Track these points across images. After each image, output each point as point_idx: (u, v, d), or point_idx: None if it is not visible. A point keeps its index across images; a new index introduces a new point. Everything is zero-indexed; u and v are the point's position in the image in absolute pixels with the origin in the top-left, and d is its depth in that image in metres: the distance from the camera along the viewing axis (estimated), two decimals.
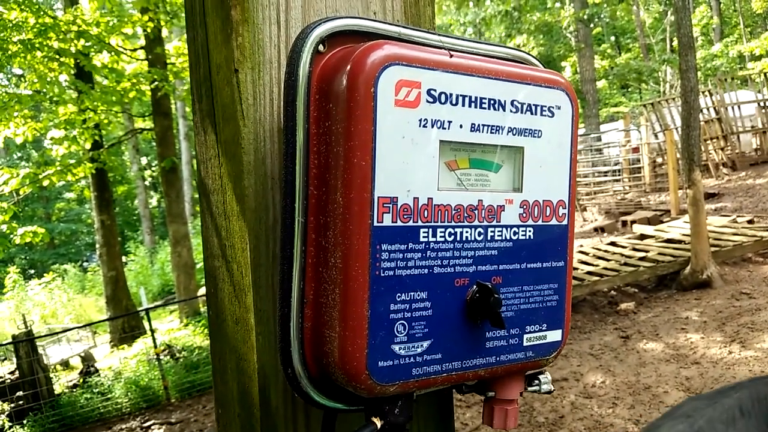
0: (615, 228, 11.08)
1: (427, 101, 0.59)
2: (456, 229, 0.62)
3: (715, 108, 13.29)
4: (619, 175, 14.57)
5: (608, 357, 5.49)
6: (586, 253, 8.43)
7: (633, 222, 10.48)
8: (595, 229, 11.36)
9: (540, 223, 0.67)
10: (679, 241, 8.01)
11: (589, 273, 7.26)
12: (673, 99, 13.86)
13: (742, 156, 13.39)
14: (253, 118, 0.69)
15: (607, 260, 7.78)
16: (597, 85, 21.31)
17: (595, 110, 19.72)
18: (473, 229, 0.63)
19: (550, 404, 4.70)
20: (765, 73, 14.80)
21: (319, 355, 0.60)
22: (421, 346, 0.60)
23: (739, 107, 13.52)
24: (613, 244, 8.88)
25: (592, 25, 21.39)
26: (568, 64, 23.79)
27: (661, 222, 10.08)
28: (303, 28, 0.63)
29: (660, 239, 8.56)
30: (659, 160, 14.22)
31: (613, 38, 30.23)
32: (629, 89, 28.75)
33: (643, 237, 9.13)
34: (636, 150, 14.53)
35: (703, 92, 12.69)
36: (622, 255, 7.90)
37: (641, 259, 7.53)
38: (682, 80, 7.07)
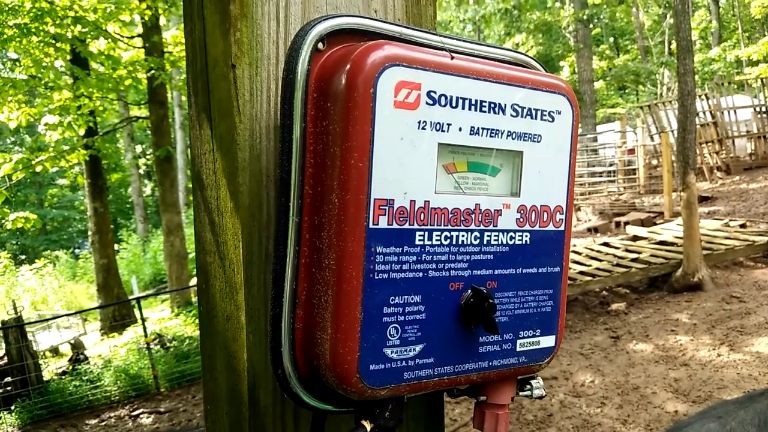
0: (608, 229, 11.12)
1: (427, 103, 0.58)
2: (452, 233, 0.61)
3: (711, 112, 13.34)
4: (614, 176, 14.62)
5: (598, 357, 5.51)
6: (579, 253, 8.46)
7: (626, 223, 10.52)
8: (589, 230, 11.40)
9: (537, 228, 0.67)
10: (672, 244, 8.05)
11: (582, 273, 7.28)
12: (670, 102, 13.90)
13: (737, 160, 13.46)
14: (249, 114, 0.68)
15: (600, 261, 7.81)
16: (594, 86, 21.33)
17: (592, 111, 19.76)
18: (469, 233, 0.62)
19: (539, 402, 4.72)
20: (762, 79, 14.85)
21: (310, 357, 0.60)
22: (414, 350, 0.59)
23: (735, 112, 13.58)
24: (606, 244, 8.91)
25: (591, 26, 21.40)
26: (566, 64, 23.80)
27: (655, 224, 10.12)
28: (303, 25, 0.62)
29: (653, 241, 8.60)
30: (654, 162, 14.27)
31: (611, 39, 30.26)
32: (626, 91, 28.81)
33: (636, 238, 9.17)
34: (631, 151, 14.57)
35: (699, 96, 12.73)
36: (615, 256, 7.94)
37: (633, 260, 7.56)
38: (679, 83, 7.08)
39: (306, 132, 0.59)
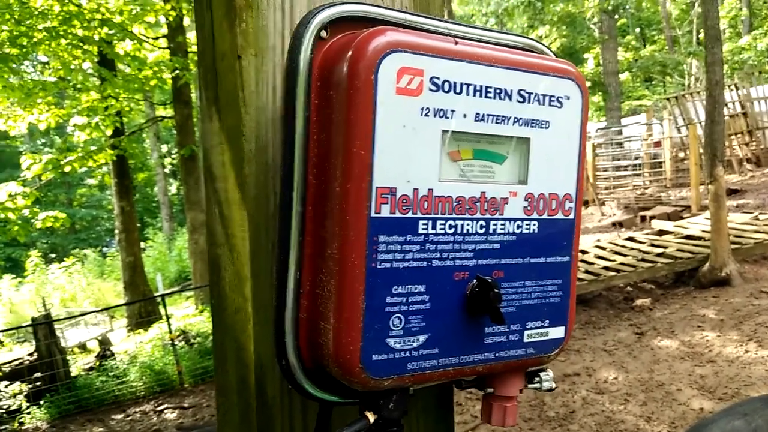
0: (633, 223, 10.94)
1: (430, 89, 0.57)
2: (457, 222, 0.60)
3: (740, 102, 13.03)
4: (640, 169, 14.38)
5: (622, 353, 5.43)
6: (603, 248, 8.34)
7: (652, 217, 10.34)
8: (614, 224, 11.23)
9: (545, 216, 0.66)
10: (699, 238, 7.89)
11: (606, 268, 7.18)
12: (698, 92, 13.61)
13: (767, 152, 13.12)
14: (255, 105, 0.68)
15: (625, 255, 7.69)
16: (620, 78, 20.98)
17: (617, 103, 19.44)
18: (475, 222, 0.61)
19: (561, 399, 4.68)
20: None
21: (313, 347, 0.60)
22: (418, 340, 0.59)
23: (765, 102, 13.24)
24: (630, 239, 8.77)
25: (616, 16, 21.05)
26: (591, 56, 23.43)
27: (681, 218, 9.93)
28: (305, 13, 0.62)
29: (679, 235, 8.43)
30: (681, 154, 13.99)
31: (638, 30, 29.70)
32: (653, 82, 28.27)
33: (661, 233, 9.00)
34: (658, 144, 14.31)
35: (728, 86, 12.44)
36: (640, 251, 7.80)
37: (659, 255, 7.42)
38: (707, 73, 6.93)
39: (309, 121, 0.59)
